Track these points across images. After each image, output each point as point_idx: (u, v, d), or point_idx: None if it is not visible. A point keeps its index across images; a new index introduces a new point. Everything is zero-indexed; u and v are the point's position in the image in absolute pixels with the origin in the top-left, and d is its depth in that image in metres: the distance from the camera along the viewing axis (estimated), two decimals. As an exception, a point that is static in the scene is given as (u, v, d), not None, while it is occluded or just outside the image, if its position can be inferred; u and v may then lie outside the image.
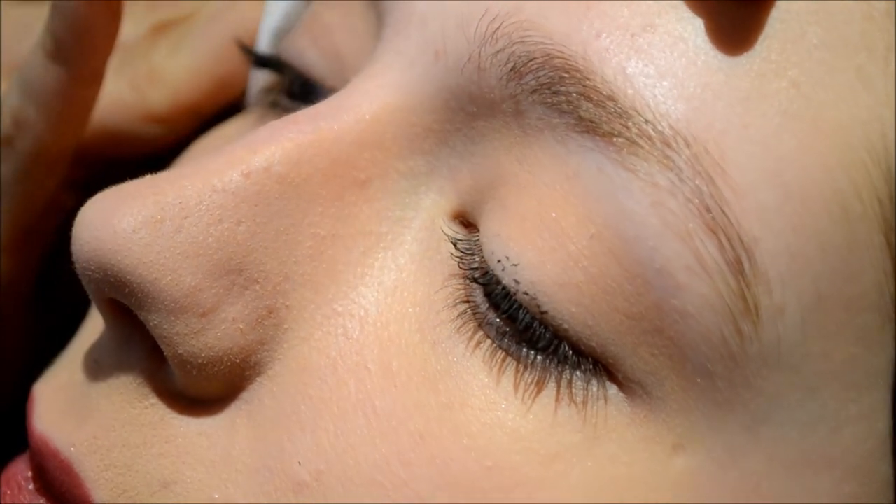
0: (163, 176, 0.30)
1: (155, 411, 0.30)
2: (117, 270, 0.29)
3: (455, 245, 0.30)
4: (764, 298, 0.27)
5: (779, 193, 0.27)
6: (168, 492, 0.30)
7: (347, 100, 0.31)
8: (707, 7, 0.28)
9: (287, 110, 0.35)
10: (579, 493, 0.28)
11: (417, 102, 0.31)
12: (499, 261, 0.29)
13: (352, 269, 0.31)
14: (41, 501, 0.31)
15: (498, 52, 0.29)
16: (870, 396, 0.28)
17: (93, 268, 0.29)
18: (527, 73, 0.28)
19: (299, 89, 0.36)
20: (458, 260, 0.30)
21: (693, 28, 0.28)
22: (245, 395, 0.30)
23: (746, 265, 0.27)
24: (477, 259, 0.29)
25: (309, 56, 0.35)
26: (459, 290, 0.30)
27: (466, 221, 0.31)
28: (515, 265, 0.28)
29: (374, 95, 0.31)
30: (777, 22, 0.28)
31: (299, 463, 0.29)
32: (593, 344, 0.28)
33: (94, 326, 0.33)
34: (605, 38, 0.28)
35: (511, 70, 0.29)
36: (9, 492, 0.31)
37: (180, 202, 0.29)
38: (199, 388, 0.30)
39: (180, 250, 0.29)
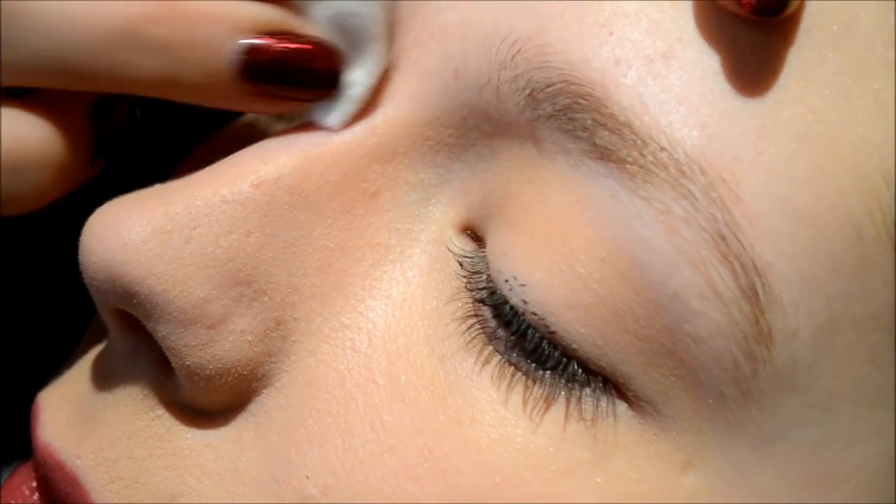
0: (172, 185, 0.30)
1: (161, 423, 0.30)
2: (126, 282, 0.29)
3: (461, 264, 0.30)
4: (777, 323, 0.27)
5: (792, 218, 0.27)
6: None
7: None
8: (726, 41, 0.27)
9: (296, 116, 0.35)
10: None
11: (434, 117, 0.30)
12: (506, 280, 0.28)
13: (360, 282, 0.30)
14: None
15: (516, 76, 0.28)
16: (880, 414, 0.28)
17: (101, 278, 0.29)
18: (544, 100, 0.28)
19: None
20: (464, 280, 0.30)
21: (711, 54, 0.27)
22: (252, 406, 0.30)
23: (760, 291, 0.27)
24: (484, 277, 0.29)
25: None
26: (468, 304, 0.29)
27: (475, 235, 0.30)
28: (523, 286, 0.28)
29: (388, 108, 0.30)
30: (797, 49, 0.27)
31: (307, 477, 0.29)
32: (603, 364, 0.28)
33: (99, 336, 0.33)
34: (623, 64, 0.27)
35: (528, 95, 0.28)
36: (13, 501, 0.31)
37: (189, 212, 0.29)
38: (207, 399, 0.30)
39: (189, 261, 0.29)
